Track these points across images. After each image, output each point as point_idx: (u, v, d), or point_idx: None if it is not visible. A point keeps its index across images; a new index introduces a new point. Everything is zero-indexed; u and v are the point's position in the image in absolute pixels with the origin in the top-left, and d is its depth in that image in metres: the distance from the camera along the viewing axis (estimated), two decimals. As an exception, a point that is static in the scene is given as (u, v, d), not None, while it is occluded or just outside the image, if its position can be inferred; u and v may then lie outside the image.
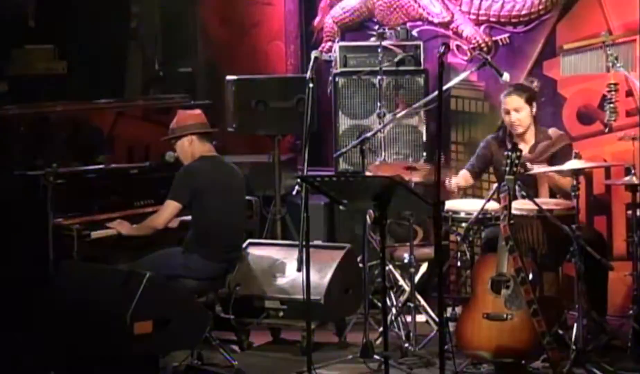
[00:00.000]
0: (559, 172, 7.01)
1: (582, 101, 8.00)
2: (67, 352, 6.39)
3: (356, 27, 8.77)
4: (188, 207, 6.95)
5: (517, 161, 6.59)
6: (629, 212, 7.15)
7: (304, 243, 6.61)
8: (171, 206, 6.91)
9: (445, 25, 8.44)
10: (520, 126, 7.31)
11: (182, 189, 6.91)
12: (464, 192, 7.85)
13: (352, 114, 8.36)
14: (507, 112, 7.32)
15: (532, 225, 6.90)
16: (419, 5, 8.51)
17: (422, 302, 7.49)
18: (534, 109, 7.33)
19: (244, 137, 8.67)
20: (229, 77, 8.34)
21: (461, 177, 7.54)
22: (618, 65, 7.43)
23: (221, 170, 7.08)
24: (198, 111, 7.11)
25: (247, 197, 7.59)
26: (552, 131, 7.41)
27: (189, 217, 7.07)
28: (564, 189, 7.08)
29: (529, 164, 6.99)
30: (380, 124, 7.96)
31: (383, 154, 8.07)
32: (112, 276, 6.47)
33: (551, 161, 7.16)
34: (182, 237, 7.05)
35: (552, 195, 7.26)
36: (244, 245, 7.53)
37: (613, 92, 7.62)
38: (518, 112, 7.29)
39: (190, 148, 7.01)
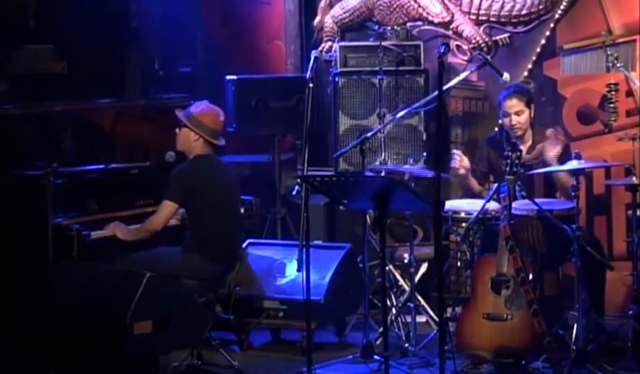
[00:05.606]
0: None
1: (582, 101, 8.00)
2: (67, 352, 6.39)
3: (356, 27, 8.76)
4: (184, 207, 6.95)
5: (517, 161, 6.60)
6: (629, 212, 7.15)
7: (304, 243, 6.61)
8: (167, 207, 6.90)
9: (445, 25, 8.43)
10: (520, 129, 7.32)
11: (177, 188, 6.89)
12: (463, 193, 7.85)
13: (352, 114, 8.35)
14: (507, 115, 7.33)
15: (532, 225, 6.91)
16: (419, 5, 8.50)
17: (422, 302, 7.51)
18: (532, 111, 7.35)
19: (244, 137, 8.67)
20: (229, 77, 8.34)
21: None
22: (618, 65, 7.43)
23: (216, 168, 7.05)
24: (221, 118, 7.06)
25: (247, 197, 7.60)
26: (549, 132, 7.41)
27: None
28: (567, 185, 7.09)
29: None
30: (380, 124, 7.95)
31: (383, 154, 8.06)
32: (112, 276, 6.46)
33: (546, 163, 7.16)
34: (182, 235, 7.05)
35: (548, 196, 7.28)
36: (244, 245, 7.53)
37: (613, 92, 7.62)
38: (519, 116, 7.30)
39: (193, 144, 6.99)
